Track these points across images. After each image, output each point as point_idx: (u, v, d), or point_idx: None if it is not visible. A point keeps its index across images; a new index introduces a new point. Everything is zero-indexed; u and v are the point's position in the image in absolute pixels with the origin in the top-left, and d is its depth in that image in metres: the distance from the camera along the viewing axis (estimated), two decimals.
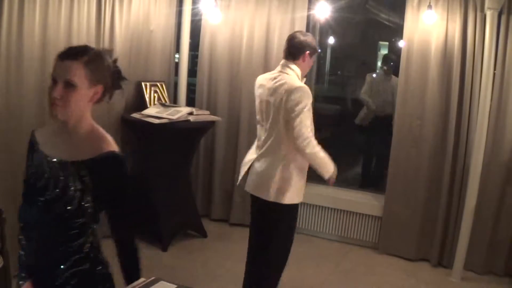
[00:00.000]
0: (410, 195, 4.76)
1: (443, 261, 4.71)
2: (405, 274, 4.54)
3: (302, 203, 5.25)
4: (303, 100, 3.10)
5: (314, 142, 3.16)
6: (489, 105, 4.27)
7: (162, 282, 2.26)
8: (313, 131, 3.23)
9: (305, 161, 3.27)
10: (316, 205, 5.26)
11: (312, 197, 5.26)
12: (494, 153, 4.45)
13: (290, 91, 3.12)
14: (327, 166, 3.28)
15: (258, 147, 3.38)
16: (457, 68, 4.46)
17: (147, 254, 4.53)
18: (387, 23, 6.45)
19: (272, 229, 3.41)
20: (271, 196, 3.23)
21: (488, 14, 4.12)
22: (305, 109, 3.11)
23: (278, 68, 3.32)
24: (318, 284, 4.27)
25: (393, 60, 6.23)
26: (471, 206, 4.33)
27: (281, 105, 3.15)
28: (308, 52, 3.29)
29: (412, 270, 4.64)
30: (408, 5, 4.58)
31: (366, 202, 5.14)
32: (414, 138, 4.71)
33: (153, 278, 2.28)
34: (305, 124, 3.11)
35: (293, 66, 3.27)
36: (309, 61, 3.33)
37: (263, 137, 3.33)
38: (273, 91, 3.21)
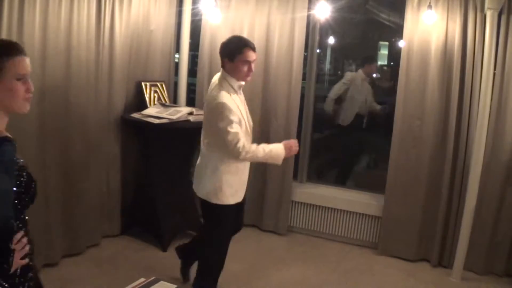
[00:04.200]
0: (410, 195, 4.76)
1: (443, 261, 4.71)
2: (405, 274, 4.55)
3: (302, 203, 5.29)
4: (222, 111, 3.16)
5: (244, 148, 3.19)
6: (489, 105, 4.27)
7: (162, 282, 2.27)
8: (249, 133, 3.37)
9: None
10: (316, 205, 5.26)
11: (312, 197, 5.27)
12: (494, 153, 4.45)
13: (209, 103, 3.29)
14: (274, 158, 3.34)
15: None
16: (457, 68, 4.46)
17: (147, 254, 4.54)
18: (387, 23, 6.45)
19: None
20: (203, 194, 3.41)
21: (488, 14, 4.12)
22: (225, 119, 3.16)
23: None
24: (318, 284, 4.26)
25: (374, 61, 6.26)
26: (471, 206, 4.33)
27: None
28: (226, 58, 3.33)
29: (412, 270, 4.64)
30: (408, 5, 4.58)
31: (366, 202, 5.14)
32: (414, 138, 4.71)
33: (153, 278, 2.29)
34: (230, 131, 3.15)
35: (227, 76, 3.33)
36: (232, 65, 3.30)
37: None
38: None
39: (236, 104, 3.25)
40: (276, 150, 3.34)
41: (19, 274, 1.84)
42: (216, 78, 3.44)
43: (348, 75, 6.32)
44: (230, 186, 3.35)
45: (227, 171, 3.33)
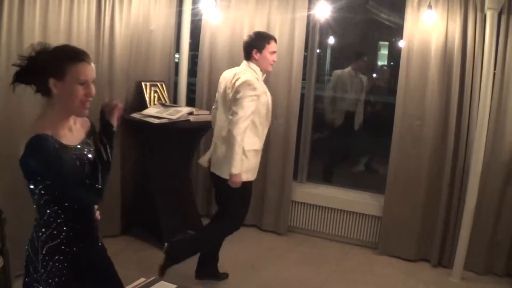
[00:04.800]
0: (410, 195, 4.76)
1: (443, 261, 4.71)
2: (405, 274, 4.55)
3: (302, 203, 5.29)
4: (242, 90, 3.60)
5: (242, 134, 3.58)
6: (489, 105, 4.27)
7: (162, 282, 2.27)
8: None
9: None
10: (316, 205, 5.26)
11: (312, 197, 5.27)
12: (494, 153, 4.45)
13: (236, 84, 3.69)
14: (234, 165, 3.60)
15: None
16: (457, 68, 4.46)
17: (147, 254, 4.54)
18: (387, 23, 6.44)
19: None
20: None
21: (488, 14, 4.12)
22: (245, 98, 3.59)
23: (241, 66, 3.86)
24: (318, 284, 4.27)
25: (364, 56, 6.24)
26: (471, 206, 4.33)
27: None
28: (255, 49, 3.76)
29: (412, 270, 4.64)
30: (408, 5, 4.58)
31: (366, 202, 5.14)
32: (414, 138, 4.71)
33: (153, 278, 2.29)
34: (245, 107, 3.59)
35: (252, 65, 3.80)
36: (261, 55, 3.76)
37: None
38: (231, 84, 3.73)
39: (261, 85, 3.74)
40: (237, 166, 3.60)
41: None
42: (238, 69, 3.85)
43: (335, 73, 6.31)
44: (254, 163, 3.80)
45: (249, 150, 3.72)
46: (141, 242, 4.77)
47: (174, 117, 4.49)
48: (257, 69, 3.77)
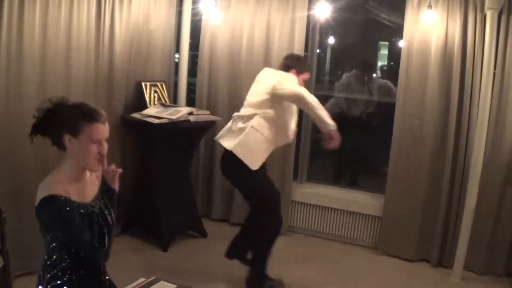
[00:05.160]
0: (410, 195, 4.76)
1: (443, 261, 4.71)
2: (405, 274, 4.55)
3: (302, 203, 5.29)
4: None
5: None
6: (489, 105, 4.27)
7: (162, 282, 2.28)
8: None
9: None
10: (316, 205, 5.27)
11: (312, 197, 5.28)
12: (494, 153, 4.45)
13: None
14: (325, 118, 3.69)
15: None
16: (457, 68, 4.46)
17: (147, 254, 4.54)
18: (387, 23, 6.44)
19: None
20: None
21: (488, 14, 4.12)
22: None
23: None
24: (318, 284, 4.27)
25: (371, 67, 6.24)
26: (471, 206, 4.33)
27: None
28: (295, 70, 3.94)
29: (412, 270, 4.64)
30: (408, 5, 4.58)
31: (366, 202, 5.14)
32: (414, 138, 4.71)
33: (153, 278, 2.29)
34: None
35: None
36: (298, 79, 3.91)
37: None
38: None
39: None
40: (329, 120, 3.64)
41: None
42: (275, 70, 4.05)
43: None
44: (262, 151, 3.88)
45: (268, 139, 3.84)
46: (141, 242, 4.78)
47: (174, 117, 4.49)
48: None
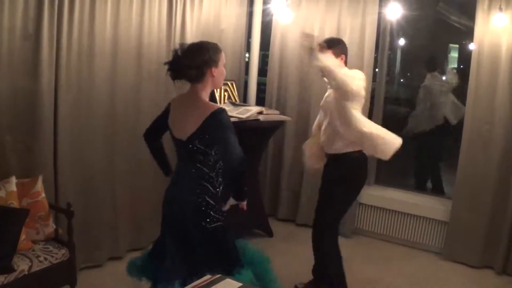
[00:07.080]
0: (477, 200, 4.68)
1: (508, 269, 4.60)
2: (469, 281, 4.48)
3: (369, 205, 5.29)
4: None
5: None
6: None
7: (228, 280, 2.31)
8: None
9: None
10: (383, 208, 5.26)
11: (379, 200, 5.27)
12: None
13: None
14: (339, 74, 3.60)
15: None
16: None
17: None
18: (457, 25, 6.34)
19: None
20: None
21: None
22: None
23: None
24: (383, 286, 4.28)
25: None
26: None
27: None
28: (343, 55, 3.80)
29: (476, 277, 4.57)
30: (479, 8, 4.50)
31: (433, 207, 5.08)
32: (483, 143, 4.63)
33: (218, 275, 2.32)
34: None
35: None
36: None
37: None
38: None
39: None
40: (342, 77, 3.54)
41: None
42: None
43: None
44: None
45: None
46: None
47: (244, 116, 4.56)
48: None
